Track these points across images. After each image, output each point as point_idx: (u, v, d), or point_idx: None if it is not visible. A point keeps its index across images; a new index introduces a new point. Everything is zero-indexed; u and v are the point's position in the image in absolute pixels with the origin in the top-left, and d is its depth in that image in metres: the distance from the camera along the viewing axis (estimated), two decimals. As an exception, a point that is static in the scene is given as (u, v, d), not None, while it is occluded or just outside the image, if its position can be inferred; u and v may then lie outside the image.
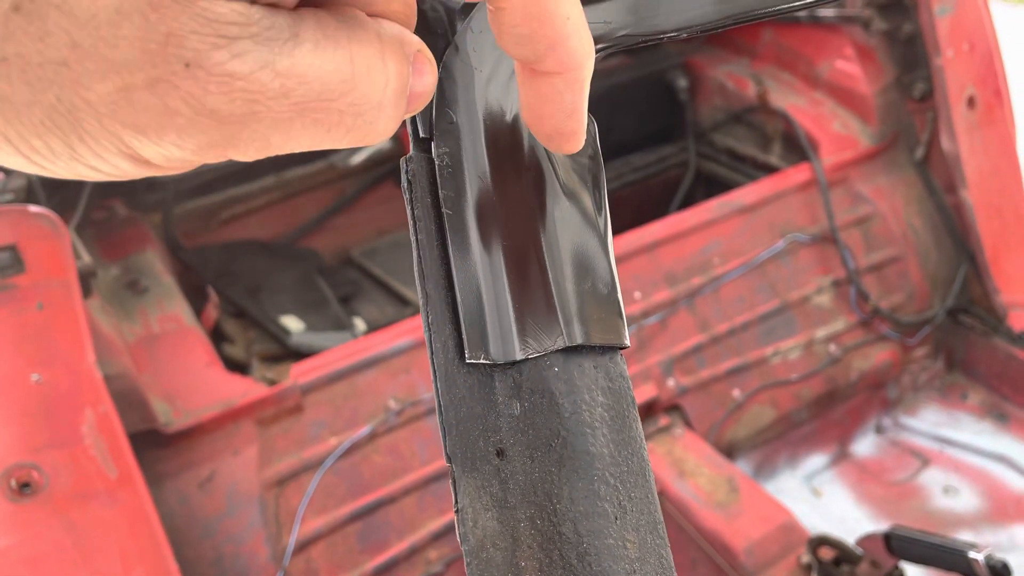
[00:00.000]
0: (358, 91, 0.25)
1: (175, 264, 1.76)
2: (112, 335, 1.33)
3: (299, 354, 1.62)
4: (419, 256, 0.33)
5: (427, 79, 0.29)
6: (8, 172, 1.32)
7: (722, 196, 1.86)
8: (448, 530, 1.46)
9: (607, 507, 0.30)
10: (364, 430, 1.45)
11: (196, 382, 1.38)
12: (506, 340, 0.32)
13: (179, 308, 1.48)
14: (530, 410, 0.32)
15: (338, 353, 1.48)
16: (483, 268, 0.32)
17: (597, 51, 0.35)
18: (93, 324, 1.25)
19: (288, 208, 2.03)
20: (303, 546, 1.37)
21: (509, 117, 0.34)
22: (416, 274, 0.33)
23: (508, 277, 0.32)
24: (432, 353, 0.32)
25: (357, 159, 2.02)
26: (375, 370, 1.49)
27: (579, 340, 0.32)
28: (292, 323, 1.73)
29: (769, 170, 2.03)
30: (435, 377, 0.32)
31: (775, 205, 1.87)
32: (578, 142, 0.31)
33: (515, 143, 0.34)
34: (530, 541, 0.30)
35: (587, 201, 0.35)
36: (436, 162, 0.33)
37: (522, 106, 0.30)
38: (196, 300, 1.61)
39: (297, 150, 0.26)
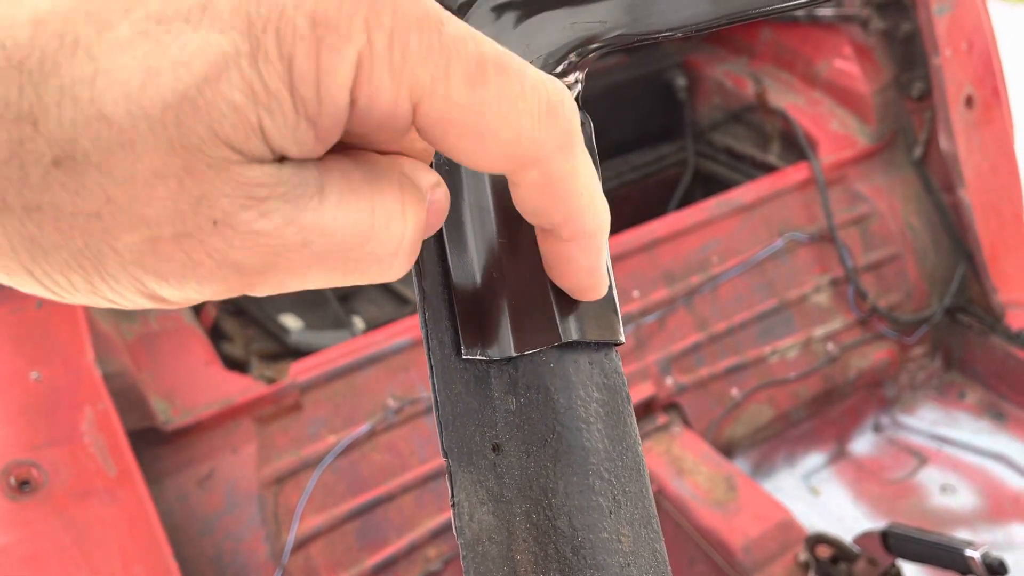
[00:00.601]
0: (376, 241, 0.26)
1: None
2: (111, 333, 1.33)
3: (298, 352, 1.62)
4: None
5: (440, 215, 0.30)
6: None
7: (720, 195, 1.86)
8: (447, 528, 1.47)
9: (601, 501, 0.31)
10: (363, 428, 1.45)
11: (195, 380, 1.38)
12: (502, 336, 0.32)
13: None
14: (526, 405, 0.32)
15: (337, 351, 1.49)
16: (479, 265, 0.33)
17: (592, 51, 0.35)
18: (92, 322, 1.25)
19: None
20: (302, 544, 1.37)
21: None
22: (413, 271, 0.33)
23: (504, 274, 0.33)
24: (429, 349, 0.33)
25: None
26: (374, 368, 1.49)
27: (574, 336, 0.32)
28: (291, 321, 1.74)
29: (767, 169, 2.03)
30: (432, 373, 0.33)
31: (773, 204, 1.87)
32: (599, 293, 0.32)
33: None
34: (525, 535, 0.30)
35: None
36: (433, 160, 0.34)
37: (543, 262, 0.31)
38: (195, 298, 1.61)
39: (309, 288, 0.26)
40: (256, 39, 0.22)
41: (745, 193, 1.86)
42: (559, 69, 0.35)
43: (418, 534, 1.45)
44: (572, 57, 0.35)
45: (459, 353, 0.32)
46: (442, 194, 0.29)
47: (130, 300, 0.25)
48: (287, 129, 0.23)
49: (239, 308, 1.76)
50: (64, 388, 1.15)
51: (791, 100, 2.05)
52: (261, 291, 0.25)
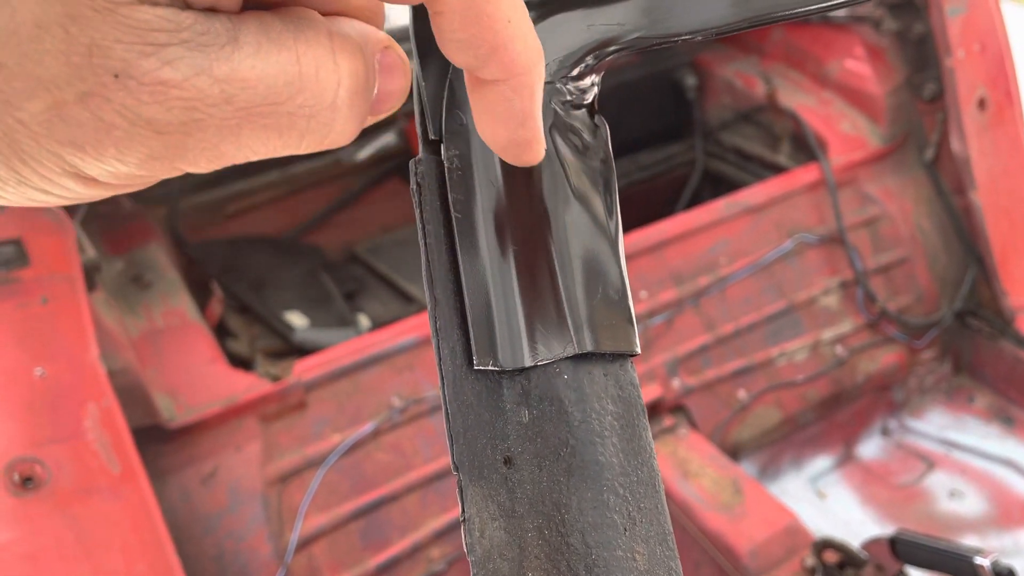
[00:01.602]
0: (307, 92, 0.24)
1: (180, 258, 1.76)
2: (116, 330, 1.32)
3: (303, 350, 1.62)
4: (427, 260, 0.33)
5: (397, 79, 0.28)
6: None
7: (729, 196, 1.85)
8: (450, 529, 1.46)
9: (616, 518, 0.30)
10: (367, 427, 1.44)
11: (199, 378, 1.37)
12: (515, 346, 0.31)
13: (183, 303, 1.48)
14: (538, 418, 0.31)
15: (342, 350, 1.48)
16: (492, 273, 0.32)
17: (610, 53, 0.34)
18: (97, 318, 1.24)
19: (293, 203, 2.03)
20: (305, 543, 1.37)
21: None
22: (424, 278, 0.33)
23: (517, 282, 0.32)
24: (440, 359, 0.32)
25: (362, 155, 2.01)
26: (379, 367, 1.48)
27: (589, 347, 0.31)
28: (296, 319, 1.73)
29: (777, 170, 2.02)
30: (442, 384, 0.32)
31: (783, 205, 1.86)
32: (536, 153, 0.29)
33: None
34: (537, 552, 0.30)
35: (598, 205, 0.34)
36: (445, 164, 0.33)
37: (474, 119, 0.29)
38: (200, 295, 1.61)
39: (253, 158, 0.25)
40: None
41: (754, 194, 1.85)
42: (576, 72, 0.34)
43: (422, 534, 1.44)
44: (589, 60, 0.34)
45: (470, 363, 0.32)
46: (395, 57, 0.27)
47: (61, 185, 0.23)
48: None
49: (244, 305, 1.76)
50: (68, 385, 1.15)
51: (801, 100, 2.03)
52: (196, 160, 0.24)
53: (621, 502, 0.30)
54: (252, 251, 1.91)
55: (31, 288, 1.15)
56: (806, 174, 1.90)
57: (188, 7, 0.22)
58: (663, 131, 2.28)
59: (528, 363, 0.31)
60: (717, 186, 2.19)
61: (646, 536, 0.30)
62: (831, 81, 2.02)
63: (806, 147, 1.97)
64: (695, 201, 2.12)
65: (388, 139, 2.00)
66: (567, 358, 0.31)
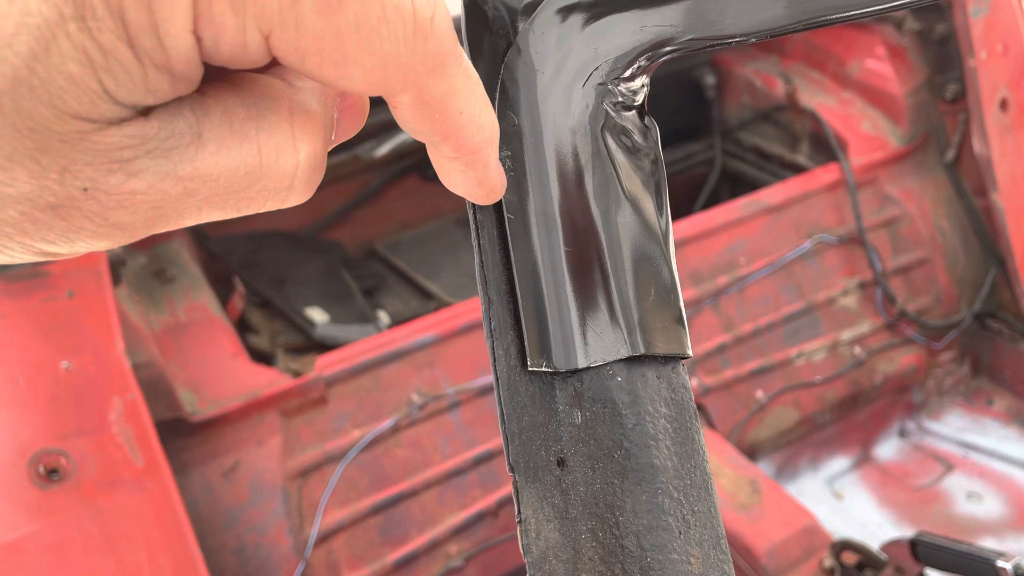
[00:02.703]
0: (267, 178, 0.25)
1: (201, 254, 1.77)
2: (140, 324, 1.33)
3: (323, 346, 1.62)
4: (481, 261, 0.33)
5: (354, 120, 0.29)
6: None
7: (748, 195, 1.84)
8: (468, 525, 1.46)
9: (671, 521, 0.30)
10: (387, 423, 1.45)
11: (222, 372, 1.38)
12: (568, 348, 0.31)
13: (205, 298, 1.49)
14: (592, 420, 0.31)
15: (362, 346, 1.48)
16: (545, 274, 0.32)
17: (663, 55, 0.34)
18: (121, 313, 1.25)
19: (312, 199, 2.02)
20: (325, 537, 1.37)
21: (572, 121, 0.33)
22: (478, 278, 0.33)
23: (570, 284, 0.32)
24: (494, 360, 0.32)
25: (382, 151, 2.01)
26: (399, 364, 1.49)
27: (642, 350, 0.32)
28: (317, 315, 1.74)
29: (797, 170, 2.01)
30: (497, 384, 0.32)
31: (802, 205, 1.85)
32: (493, 198, 0.31)
33: (578, 147, 0.33)
34: (592, 554, 0.30)
35: (649, 207, 0.34)
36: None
37: (436, 171, 0.30)
38: (221, 290, 1.61)
39: (213, 220, 0.26)
40: None
41: (773, 194, 1.84)
42: (628, 73, 0.34)
43: (440, 530, 1.45)
44: (642, 61, 0.34)
45: (524, 364, 0.32)
46: (355, 99, 0.28)
47: (21, 257, 0.25)
48: (136, 84, 0.22)
49: (265, 301, 1.77)
50: (93, 378, 1.16)
51: (821, 100, 2.02)
52: (158, 231, 0.25)
53: (676, 505, 0.30)
54: (272, 247, 1.91)
55: (57, 282, 1.16)
56: (826, 174, 1.89)
57: (151, 114, 0.23)
58: (682, 130, 2.28)
59: (582, 364, 0.31)
60: (736, 185, 2.18)
61: (700, 539, 0.31)
62: (852, 81, 2.01)
63: (826, 147, 1.97)
64: (713, 201, 2.11)
65: (407, 136, 2.00)
66: (620, 360, 0.31)
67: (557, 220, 0.32)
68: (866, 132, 1.95)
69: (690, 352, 0.33)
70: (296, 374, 1.41)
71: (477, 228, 0.33)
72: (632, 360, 0.32)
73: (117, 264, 1.28)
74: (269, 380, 1.39)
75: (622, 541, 0.29)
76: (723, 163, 2.23)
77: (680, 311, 0.34)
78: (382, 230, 2.09)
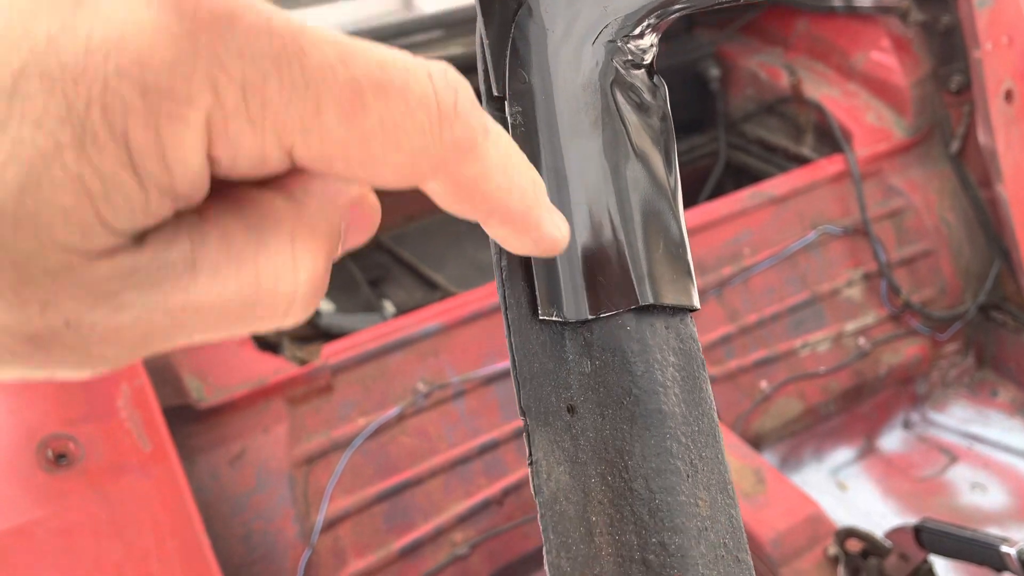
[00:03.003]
0: (263, 304, 0.23)
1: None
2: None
3: (329, 335, 1.63)
4: None
5: (363, 232, 0.27)
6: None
7: (753, 186, 1.84)
8: (474, 513, 1.47)
9: (679, 464, 0.30)
10: (393, 411, 1.45)
11: (228, 359, 1.39)
12: (578, 298, 0.32)
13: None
14: (601, 368, 0.32)
15: (368, 335, 1.49)
16: None
17: (673, 12, 0.34)
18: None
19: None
20: (331, 524, 1.38)
21: (582, 78, 0.34)
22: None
23: (581, 236, 0.32)
24: (505, 307, 0.33)
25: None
26: (404, 352, 1.49)
27: (650, 299, 0.32)
28: (322, 304, 1.74)
29: (801, 161, 2.02)
30: (508, 332, 0.33)
31: (807, 196, 1.85)
32: (556, 251, 0.29)
33: (588, 104, 0.34)
34: (601, 496, 0.30)
35: (658, 163, 0.35)
36: (509, 120, 0.34)
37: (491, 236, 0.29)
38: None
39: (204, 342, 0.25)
40: (79, 122, 0.19)
41: (778, 185, 1.85)
42: (637, 31, 0.34)
43: (445, 518, 1.45)
44: (651, 19, 0.34)
45: (535, 313, 0.32)
46: (366, 209, 0.27)
47: (23, 376, 0.23)
48: (135, 210, 0.20)
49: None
50: (101, 363, 1.16)
51: (826, 92, 2.02)
52: (145, 355, 0.23)
53: (683, 450, 0.31)
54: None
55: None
56: (830, 165, 1.89)
57: (144, 241, 0.21)
58: (686, 122, 2.28)
59: (590, 315, 0.32)
60: (740, 178, 2.19)
61: (707, 484, 0.31)
62: (856, 73, 2.01)
63: (830, 138, 1.97)
64: (718, 192, 2.12)
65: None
66: (629, 310, 0.32)
67: (567, 175, 0.33)
68: (871, 123, 1.95)
69: (697, 304, 0.34)
70: (302, 362, 1.42)
71: None
72: (641, 310, 0.32)
73: (124, 251, 1.28)
74: (275, 368, 1.39)
75: (631, 484, 0.30)
76: (727, 155, 2.24)
77: (688, 265, 0.34)
78: (388, 222, 2.10)
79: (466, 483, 1.48)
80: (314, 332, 1.67)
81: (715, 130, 2.26)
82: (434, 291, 1.89)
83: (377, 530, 1.41)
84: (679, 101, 2.25)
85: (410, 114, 0.22)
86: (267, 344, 1.56)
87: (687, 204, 1.88)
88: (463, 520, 1.46)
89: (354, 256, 1.96)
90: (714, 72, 2.22)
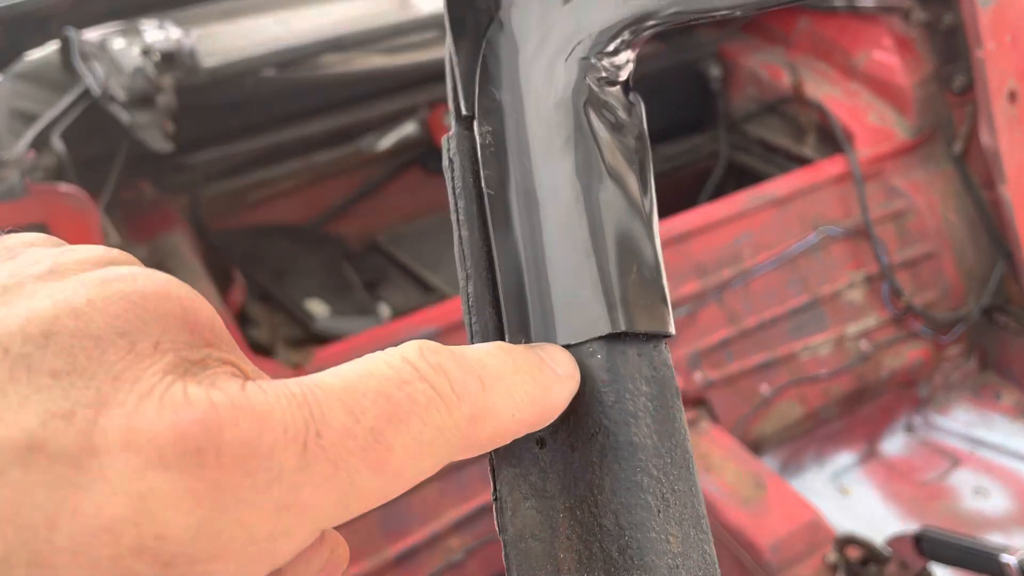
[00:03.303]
0: None
1: (201, 247, 1.77)
2: (139, 315, 1.33)
3: (324, 339, 1.62)
4: (459, 236, 0.32)
5: None
6: (39, 150, 1.32)
7: (754, 187, 1.83)
8: (470, 519, 1.46)
9: (649, 499, 0.29)
10: (388, 416, 1.44)
11: (221, 364, 1.38)
12: (547, 324, 0.31)
13: (206, 290, 1.48)
14: (572, 398, 0.30)
15: (363, 338, 1.48)
16: (525, 250, 0.31)
17: (647, 28, 0.33)
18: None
19: (314, 193, 2.03)
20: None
21: (554, 96, 0.32)
22: (456, 254, 0.32)
23: (550, 260, 0.31)
24: (471, 335, 0.31)
25: (384, 144, 2.01)
26: (400, 356, 1.48)
27: (623, 327, 0.31)
28: (317, 307, 1.73)
29: (802, 162, 2.00)
30: None
31: (808, 197, 1.84)
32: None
33: (560, 123, 0.32)
34: (569, 532, 0.29)
35: (633, 184, 0.33)
36: (478, 140, 0.32)
37: None
38: (221, 283, 1.61)
39: None
40: None
41: (779, 186, 1.83)
42: (611, 47, 0.33)
43: (441, 524, 1.44)
44: (626, 35, 0.33)
45: (503, 341, 0.31)
46: (338, 560, 0.27)
47: None
48: None
49: (266, 294, 1.76)
50: (91, 369, 1.15)
51: (828, 92, 2.01)
52: None
53: (655, 483, 0.30)
54: (273, 240, 1.91)
55: (55, 273, 1.16)
56: (832, 166, 1.88)
57: None
58: (687, 122, 2.27)
59: (561, 342, 0.31)
60: (741, 178, 2.17)
61: (680, 518, 0.30)
62: (858, 72, 1.99)
63: (832, 139, 1.95)
64: (719, 193, 2.10)
65: (409, 129, 1.99)
66: (600, 337, 0.31)
67: (537, 196, 0.32)
68: (873, 124, 1.93)
69: (672, 331, 0.32)
70: (296, 366, 1.40)
71: (456, 202, 0.32)
72: (613, 338, 0.31)
73: (116, 256, 1.27)
74: (270, 372, 1.38)
75: (600, 520, 0.29)
76: (728, 156, 2.22)
77: (663, 290, 0.33)
78: (384, 223, 2.08)
79: (462, 489, 1.47)
80: (308, 335, 1.66)
81: (716, 130, 2.24)
82: (430, 294, 1.87)
83: (372, 536, 1.40)
84: (680, 101, 2.24)
85: (425, 425, 0.23)
86: (260, 348, 1.55)
87: (688, 204, 1.87)
88: (459, 526, 1.45)
89: (349, 258, 1.95)
90: (715, 72, 2.20)
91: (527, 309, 0.31)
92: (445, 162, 0.33)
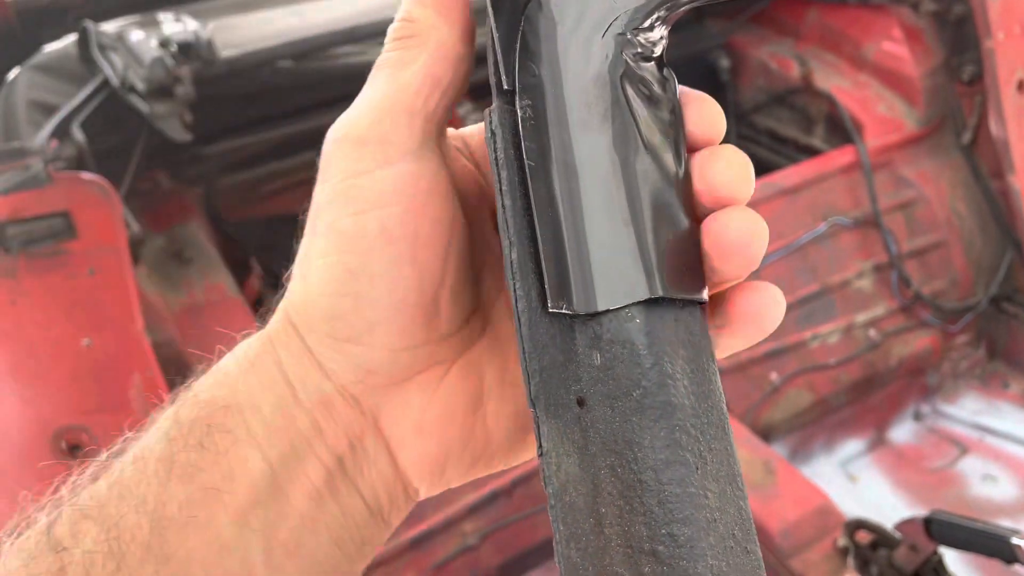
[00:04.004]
0: None
1: (218, 236, 1.78)
2: (159, 303, 1.35)
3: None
4: (503, 206, 0.33)
5: None
6: (60, 139, 1.34)
7: (764, 178, 1.84)
8: (483, 504, 1.47)
9: (688, 456, 0.31)
10: (403, 403, 1.46)
11: (239, 351, 1.39)
12: (588, 291, 0.32)
13: (223, 279, 1.50)
14: (610, 360, 0.32)
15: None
16: (565, 219, 0.33)
17: (683, 4, 0.34)
18: (141, 292, 1.27)
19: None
20: (342, 515, 1.38)
21: (592, 71, 0.34)
22: (500, 222, 0.33)
23: (590, 229, 0.32)
24: (515, 300, 0.33)
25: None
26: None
27: (660, 293, 0.32)
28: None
29: (812, 152, 2.01)
30: (518, 323, 0.33)
31: (817, 188, 1.84)
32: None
33: (597, 97, 0.34)
34: (610, 487, 0.30)
35: (668, 156, 0.35)
36: (519, 114, 0.33)
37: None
38: (238, 272, 1.62)
39: None
40: None
41: (788, 176, 1.84)
42: (646, 23, 0.34)
43: (455, 509, 1.46)
44: (661, 11, 0.34)
45: (545, 306, 0.32)
46: None
47: None
48: None
49: (281, 283, 1.77)
50: (114, 355, 1.17)
51: (837, 83, 2.01)
52: None
53: (692, 441, 0.31)
54: (289, 231, 1.92)
55: (79, 260, 1.17)
56: (841, 156, 1.88)
57: None
58: (696, 114, 2.27)
59: (600, 308, 0.32)
60: (750, 169, 2.18)
61: (716, 475, 0.31)
62: (868, 63, 2.00)
63: (841, 130, 1.96)
64: (728, 184, 2.11)
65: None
66: (638, 303, 0.32)
67: (577, 168, 0.33)
68: (882, 114, 1.94)
69: (707, 298, 0.34)
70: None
71: (498, 173, 0.33)
72: (650, 303, 0.32)
73: (136, 244, 1.29)
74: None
75: (640, 475, 0.30)
76: (738, 146, 2.22)
77: (698, 258, 0.34)
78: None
79: (476, 474, 1.48)
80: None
81: (726, 121, 2.25)
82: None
83: (388, 521, 1.42)
84: (689, 92, 2.24)
85: None
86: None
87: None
88: (473, 511, 1.47)
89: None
90: (724, 63, 2.21)
91: (568, 275, 0.32)
92: (488, 134, 0.34)
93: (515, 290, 0.33)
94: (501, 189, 0.33)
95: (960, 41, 1.86)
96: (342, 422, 0.35)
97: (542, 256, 0.33)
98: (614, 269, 0.32)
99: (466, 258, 0.37)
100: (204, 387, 0.36)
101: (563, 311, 0.32)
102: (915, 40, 1.92)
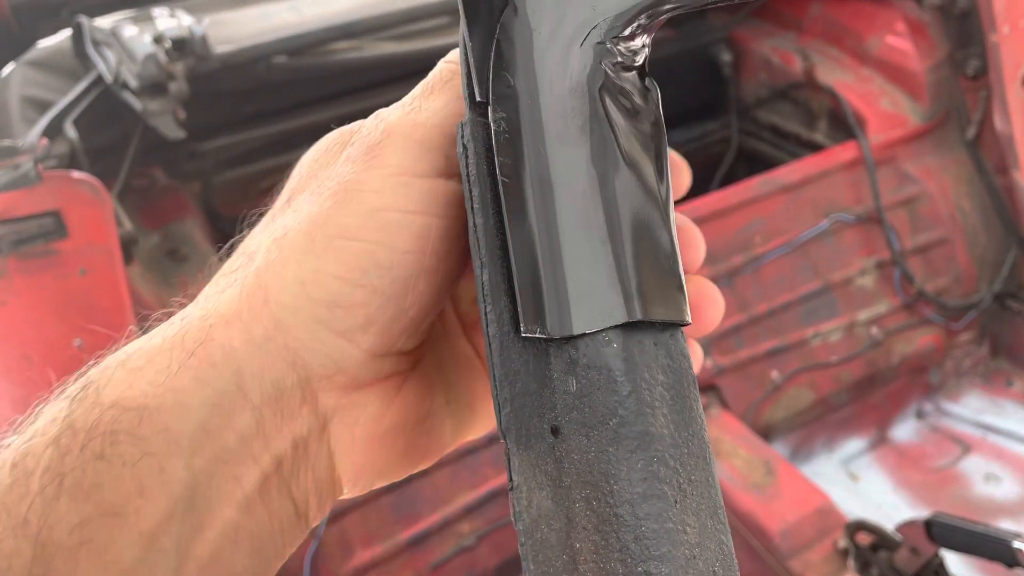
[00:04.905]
0: None
1: (214, 234, 1.77)
2: (153, 303, 1.34)
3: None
4: (474, 224, 0.32)
5: None
6: (52, 137, 1.33)
7: (765, 174, 1.82)
8: (480, 504, 1.46)
9: (666, 489, 0.29)
10: (399, 402, 1.45)
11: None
12: (563, 313, 0.30)
13: (219, 277, 1.49)
14: (586, 387, 0.30)
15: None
16: (540, 238, 0.31)
17: (664, 12, 0.33)
18: (134, 291, 1.26)
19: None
20: (337, 516, 1.38)
21: (569, 82, 0.32)
22: (471, 242, 0.32)
23: (566, 248, 0.31)
24: (486, 324, 0.31)
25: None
26: (411, 343, 1.49)
27: (639, 315, 0.30)
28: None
29: (814, 148, 1.99)
30: (489, 350, 0.31)
31: (819, 184, 1.83)
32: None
33: (575, 109, 0.32)
34: (585, 522, 0.29)
35: (649, 171, 0.33)
36: (492, 127, 0.32)
37: None
38: (234, 269, 1.61)
39: None
40: None
41: (790, 172, 1.82)
42: (627, 32, 0.33)
43: (452, 509, 1.45)
44: (642, 19, 0.33)
45: (518, 330, 0.31)
46: None
47: None
48: None
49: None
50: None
51: (840, 77, 1.99)
52: None
53: (671, 473, 0.30)
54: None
55: (69, 260, 1.16)
56: (843, 152, 1.87)
57: None
58: (697, 108, 2.25)
59: (576, 331, 0.30)
60: (752, 164, 2.16)
61: (696, 509, 0.30)
62: (871, 57, 1.98)
63: (844, 125, 1.94)
64: (730, 179, 2.09)
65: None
66: (616, 326, 0.30)
67: (553, 184, 0.31)
68: (885, 109, 1.92)
69: (689, 319, 0.32)
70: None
71: (470, 190, 0.32)
72: (629, 326, 0.31)
73: (129, 243, 1.28)
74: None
75: (616, 510, 0.29)
76: (739, 142, 2.21)
77: (680, 278, 0.33)
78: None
79: (473, 474, 1.47)
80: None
81: (727, 116, 2.23)
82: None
83: (384, 521, 1.41)
84: (691, 87, 2.23)
85: None
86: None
87: (699, 191, 1.86)
88: (470, 511, 1.46)
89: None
90: (726, 57, 2.19)
91: (542, 298, 0.31)
92: (459, 149, 0.32)
93: (486, 313, 0.31)
94: (473, 207, 0.32)
95: (964, 35, 1.84)
96: (290, 421, 0.31)
97: (515, 277, 0.31)
98: (591, 290, 0.31)
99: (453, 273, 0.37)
100: (110, 383, 0.30)
101: (537, 335, 0.31)
102: (919, 34, 1.90)
